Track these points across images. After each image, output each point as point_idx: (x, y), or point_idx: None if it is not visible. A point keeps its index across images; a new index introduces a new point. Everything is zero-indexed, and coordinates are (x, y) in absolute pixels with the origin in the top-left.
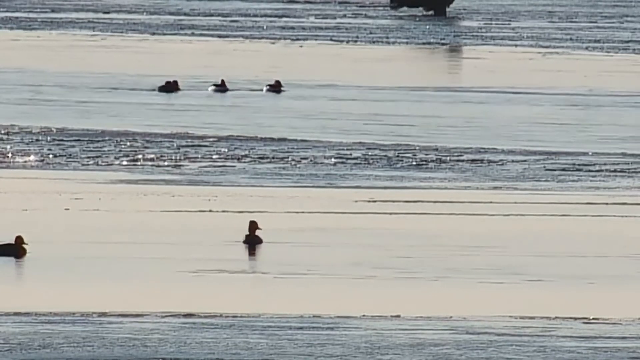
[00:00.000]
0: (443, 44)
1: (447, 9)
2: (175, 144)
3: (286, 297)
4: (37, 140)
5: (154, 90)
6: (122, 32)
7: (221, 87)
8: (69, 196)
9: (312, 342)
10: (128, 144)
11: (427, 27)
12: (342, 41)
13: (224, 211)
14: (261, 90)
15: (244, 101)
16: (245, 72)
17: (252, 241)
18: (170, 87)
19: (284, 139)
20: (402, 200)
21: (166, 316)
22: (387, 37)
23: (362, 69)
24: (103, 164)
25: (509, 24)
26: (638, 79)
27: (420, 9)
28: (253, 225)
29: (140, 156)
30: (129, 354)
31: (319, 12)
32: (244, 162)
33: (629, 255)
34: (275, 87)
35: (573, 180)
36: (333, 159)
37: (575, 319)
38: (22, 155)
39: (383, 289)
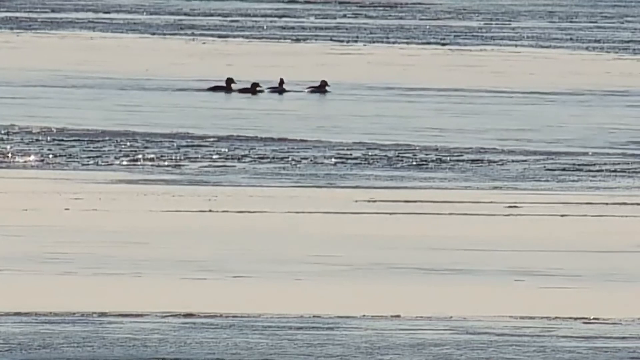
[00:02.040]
0: (443, 44)
1: None
2: (175, 144)
3: (286, 297)
4: (37, 140)
5: (203, 90)
6: (122, 32)
7: (278, 88)
8: (69, 196)
9: (312, 342)
10: (128, 144)
11: (428, 27)
12: (342, 41)
13: (224, 211)
14: (302, 91)
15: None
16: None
17: None
18: (225, 87)
19: (284, 139)
20: (402, 200)
21: (166, 316)
22: (387, 37)
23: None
24: (103, 164)
25: (509, 24)
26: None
27: None
28: None
29: (140, 156)
30: (129, 354)
31: (319, 12)
32: (244, 162)
33: (629, 255)
34: (320, 88)
35: (573, 180)
36: (333, 159)
37: (575, 319)
38: (22, 155)
39: (383, 289)
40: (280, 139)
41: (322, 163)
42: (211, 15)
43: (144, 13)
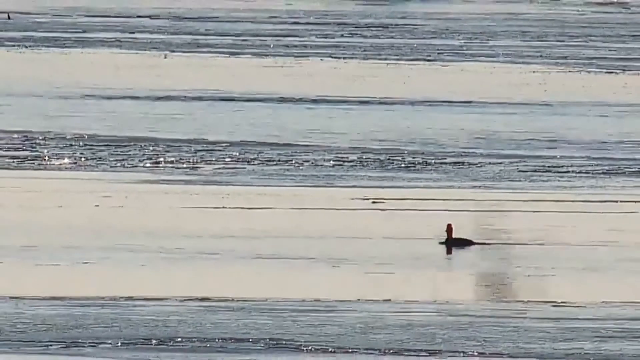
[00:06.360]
0: (429, 61)
1: None
2: (192, 149)
3: (290, 283)
4: (70, 145)
5: None
6: (144, 50)
7: None
8: (98, 195)
9: (313, 322)
10: (151, 148)
11: (415, 45)
12: (339, 58)
13: (235, 208)
14: None
15: None
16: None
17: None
18: None
19: (289, 144)
20: (392, 198)
21: (185, 300)
22: (380, 55)
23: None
24: (129, 166)
25: (487, 43)
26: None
27: None
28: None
29: (161, 159)
30: (152, 334)
31: (319, 32)
32: (253, 164)
33: (592, 246)
34: None
35: (543, 180)
36: (332, 162)
37: (545, 302)
38: (57, 159)
39: (376, 276)
40: (284, 144)
41: (322, 165)
42: (224, 35)
43: (165, 33)
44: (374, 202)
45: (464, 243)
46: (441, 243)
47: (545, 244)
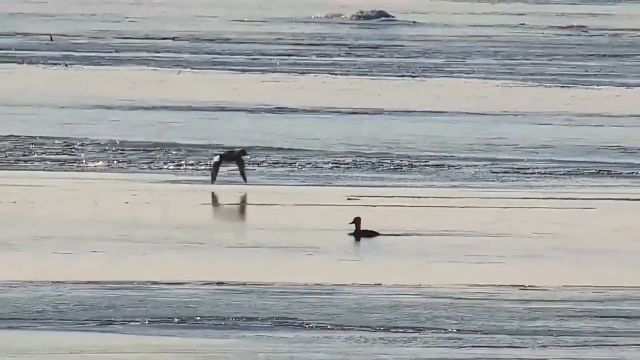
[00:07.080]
0: (413, 76)
1: None
2: (210, 152)
3: (295, 269)
4: (104, 149)
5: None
6: (169, 67)
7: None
8: (128, 193)
9: (315, 304)
10: (174, 153)
11: (402, 63)
12: (336, 74)
13: (246, 204)
14: None
15: None
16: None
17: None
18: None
19: (293, 149)
20: (382, 196)
21: (203, 284)
22: (371, 71)
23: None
24: (155, 168)
25: (464, 61)
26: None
27: None
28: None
29: (183, 162)
30: (174, 313)
31: (319, 51)
32: (262, 166)
33: (556, 237)
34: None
35: (512, 180)
36: (330, 164)
37: (514, 286)
38: (93, 162)
39: (368, 263)
40: (289, 149)
41: (321, 167)
42: (237, 54)
43: (186, 53)
44: (349, 199)
45: (371, 234)
46: (350, 234)
47: (514, 235)
